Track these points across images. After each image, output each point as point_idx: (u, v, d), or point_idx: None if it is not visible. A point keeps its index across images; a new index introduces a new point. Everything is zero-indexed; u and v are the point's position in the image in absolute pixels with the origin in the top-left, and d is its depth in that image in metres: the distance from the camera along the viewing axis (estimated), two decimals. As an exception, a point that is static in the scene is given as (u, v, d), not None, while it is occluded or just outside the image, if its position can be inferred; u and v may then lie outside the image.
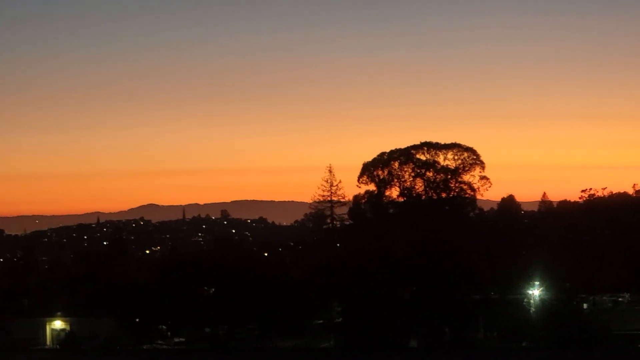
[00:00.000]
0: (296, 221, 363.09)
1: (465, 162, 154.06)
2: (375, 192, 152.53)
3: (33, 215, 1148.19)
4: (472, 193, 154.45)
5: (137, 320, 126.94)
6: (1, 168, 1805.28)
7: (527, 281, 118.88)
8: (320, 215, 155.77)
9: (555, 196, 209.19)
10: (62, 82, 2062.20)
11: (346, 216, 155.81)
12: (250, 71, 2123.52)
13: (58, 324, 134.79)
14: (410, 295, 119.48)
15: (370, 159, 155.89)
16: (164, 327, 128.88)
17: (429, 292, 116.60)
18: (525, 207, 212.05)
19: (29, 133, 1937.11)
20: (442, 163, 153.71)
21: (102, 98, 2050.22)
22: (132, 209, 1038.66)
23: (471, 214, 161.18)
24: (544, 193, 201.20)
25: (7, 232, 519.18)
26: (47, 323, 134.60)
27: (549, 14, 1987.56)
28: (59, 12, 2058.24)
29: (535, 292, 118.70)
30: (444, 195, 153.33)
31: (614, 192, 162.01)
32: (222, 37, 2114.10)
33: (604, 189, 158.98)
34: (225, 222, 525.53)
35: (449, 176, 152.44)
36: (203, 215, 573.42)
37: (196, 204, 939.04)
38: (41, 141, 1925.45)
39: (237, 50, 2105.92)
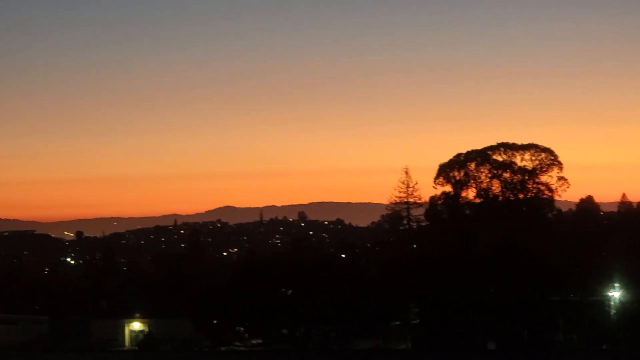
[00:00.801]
0: (373, 222, 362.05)
1: (543, 163, 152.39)
2: (452, 193, 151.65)
3: (111, 218, 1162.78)
4: (549, 194, 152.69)
5: (215, 322, 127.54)
6: (81, 171, 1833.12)
7: (607, 283, 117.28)
8: (396, 216, 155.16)
9: (635, 197, 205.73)
10: (143, 84, 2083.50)
11: (422, 217, 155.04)
12: (329, 74, 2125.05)
13: (137, 326, 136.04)
14: (488, 297, 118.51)
15: (446, 160, 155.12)
16: (242, 328, 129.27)
17: (507, 294, 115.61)
18: (604, 208, 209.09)
19: (109, 136, 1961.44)
20: (519, 164, 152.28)
21: (181, 101, 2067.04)
22: (209, 211, 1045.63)
23: (549, 215, 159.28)
24: (624, 194, 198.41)
25: (86, 234, 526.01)
26: (126, 324, 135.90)
27: (629, 12, 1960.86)
28: (156, 13, 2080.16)
29: (615, 294, 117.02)
30: (521, 196, 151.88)
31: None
32: (302, 39, 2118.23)
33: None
34: (302, 224, 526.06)
35: (526, 177, 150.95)
36: (280, 217, 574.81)
37: (273, 205, 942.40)
38: (120, 144, 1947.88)
39: (317, 53, 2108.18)
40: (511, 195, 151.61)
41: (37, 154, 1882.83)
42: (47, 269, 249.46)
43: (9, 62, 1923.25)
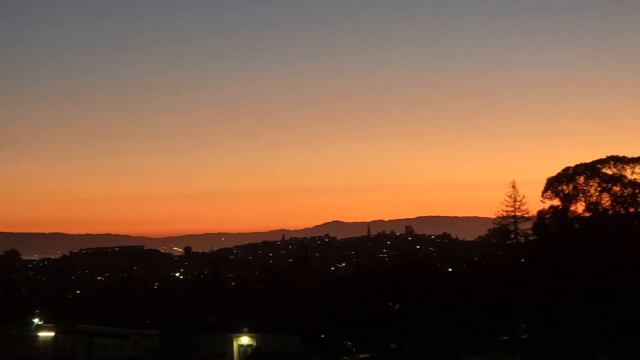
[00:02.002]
0: (480, 236, 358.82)
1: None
2: (560, 207, 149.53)
3: (219, 233, 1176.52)
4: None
5: (323, 336, 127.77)
6: (190, 187, 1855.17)
7: None
8: (503, 230, 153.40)
9: None
10: (252, 101, 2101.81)
11: (530, 231, 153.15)
12: (436, 90, 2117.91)
13: (245, 340, 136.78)
14: (598, 312, 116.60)
15: (554, 174, 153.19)
16: (349, 343, 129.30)
17: (618, 309, 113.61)
18: None
19: (217, 152, 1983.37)
20: (629, 177, 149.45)
21: (290, 118, 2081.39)
22: (317, 226, 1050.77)
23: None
24: None
25: (194, 249, 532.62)
26: (234, 339, 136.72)
27: None
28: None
29: None
30: (631, 210, 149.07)
31: None
32: (412, 57, 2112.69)
33: None
34: (409, 238, 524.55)
35: (637, 191, 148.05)
36: (387, 232, 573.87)
37: (381, 220, 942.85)
38: (228, 160, 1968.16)
39: (426, 70, 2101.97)
40: (621, 209, 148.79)
41: (146, 171, 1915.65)
42: (156, 284, 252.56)
43: (121, 79, 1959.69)
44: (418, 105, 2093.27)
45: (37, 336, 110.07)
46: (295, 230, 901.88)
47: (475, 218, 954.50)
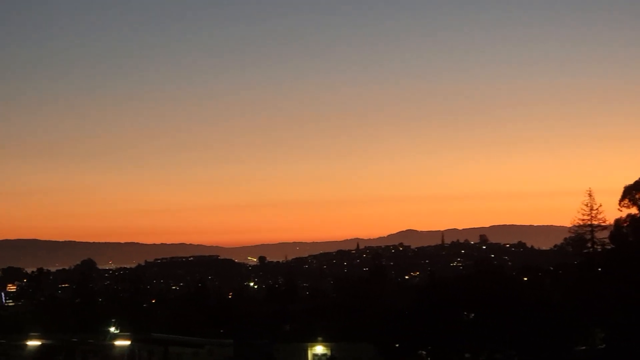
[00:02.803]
0: (555, 245, 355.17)
1: None
2: (638, 215, 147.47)
3: (294, 243, 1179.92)
4: None
5: (397, 345, 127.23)
6: (264, 197, 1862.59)
7: None
8: (580, 239, 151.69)
9: None
10: (324, 110, 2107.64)
11: (607, 240, 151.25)
12: (507, 96, 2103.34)
13: (319, 349, 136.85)
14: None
15: (631, 182, 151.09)
16: (424, 352, 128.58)
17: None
18: None
19: (290, 161, 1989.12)
20: None
21: (363, 126, 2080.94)
22: (391, 235, 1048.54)
23: None
24: None
25: (269, 258, 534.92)
26: (309, 348, 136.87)
27: None
28: (346, 38, 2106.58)
29: None
30: None
31: None
32: (471, 61, 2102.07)
33: None
34: (484, 247, 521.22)
35: None
36: (462, 240, 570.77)
37: (455, 229, 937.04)
38: (301, 169, 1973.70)
39: (489, 74, 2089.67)
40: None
41: (222, 181, 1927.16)
42: (231, 293, 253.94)
43: (196, 89, 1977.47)
44: (492, 113, 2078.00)
45: (114, 345, 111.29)
46: (369, 239, 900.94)
47: (551, 227, 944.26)
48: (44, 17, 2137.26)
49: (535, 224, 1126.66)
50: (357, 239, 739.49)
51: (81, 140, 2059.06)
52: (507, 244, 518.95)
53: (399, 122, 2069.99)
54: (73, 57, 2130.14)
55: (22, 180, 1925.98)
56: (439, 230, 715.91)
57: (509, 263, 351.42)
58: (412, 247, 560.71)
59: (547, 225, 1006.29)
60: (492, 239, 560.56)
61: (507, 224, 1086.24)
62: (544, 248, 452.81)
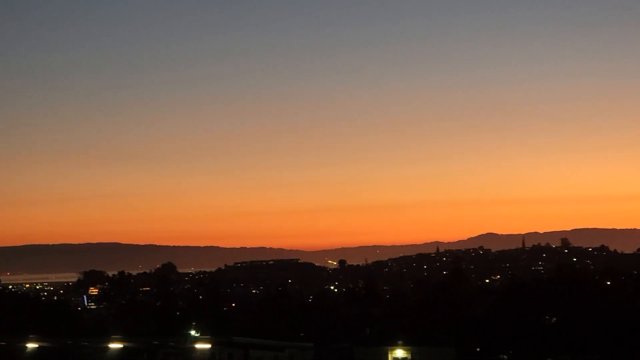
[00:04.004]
0: (639, 249, 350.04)
1: None
2: None
3: (374, 246, 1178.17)
4: None
5: (478, 349, 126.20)
6: (344, 200, 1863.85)
7: None
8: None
9: None
10: (394, 114, 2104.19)
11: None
12: (583, 99, 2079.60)
13: (400, 353, 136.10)
14: None
15: None
16: (505, 356, 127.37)
17: None
18: None
19: (370, 166, 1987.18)
20: None
21: (439, 130, 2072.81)
22: (471, 238, 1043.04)
23: None
24: None
25: (349, 262, 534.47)
26: (389, 351, 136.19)
27: None
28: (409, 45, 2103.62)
29: None
30: None
31: None
32: (542, 67, 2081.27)
33: None
34: (565, 251, 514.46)
35: None
36: (543, 244, 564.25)
37: (536, 232, 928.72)
38: (381, 173, 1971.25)
39: (565, 76, 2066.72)
40: None
41: (301, 185, 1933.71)
42: (311, 297, 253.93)
43: (273, 93, 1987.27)
44: (575, 116, 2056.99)
45: (194, 348, 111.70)
46: (449, 243, 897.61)
47: (634, 230, 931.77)
48: (133, 20, 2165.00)
49: (618, 228, 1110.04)
50: (437, 242, 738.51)
51: (162, 145, 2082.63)
52: (589, 248, 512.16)
53: (480, 126, 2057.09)
54: (160, 62, 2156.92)
55: (104, 185, 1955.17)
56: (520, 234, 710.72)
57: (591, 267, 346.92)
58: (493, 250, 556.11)
59: (630, 229, 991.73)
60: (574, 243, 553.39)
61: (590, 227, 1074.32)
62: (627, 252, 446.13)
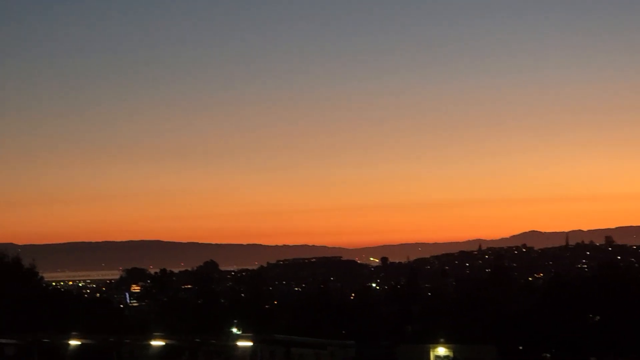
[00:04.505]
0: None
1: None
2: None
3: (416, 243, 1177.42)
4: None
5: (520, 347, 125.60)
6: (384, 198, 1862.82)
7: None
8: None
9: None
10: (442, 111, 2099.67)
11: None
12: (629, 93, 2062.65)
13: (441, 351, 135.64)
14: None
15: None
16: (548, 355, 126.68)
17: None
18: None
19: (412, 163, 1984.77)
20: None
21: (482, 127, 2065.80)
22: (513, 236, 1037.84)
23: None
24: None
25: (391, 259, 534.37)
26: (431, 349, 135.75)
27: None
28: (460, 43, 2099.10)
29: None
30: None
31: None
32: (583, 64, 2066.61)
33: None
34: (609, 249, 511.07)
35: None
36: (586, 242, 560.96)
37: (579, 230, 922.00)
38: (424, 171, 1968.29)
39: (611, 72, 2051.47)
40: None
41: (343, 182, 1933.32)
42: (353, 294, 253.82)
43: (314, 91, 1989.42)
44: (617, 114, 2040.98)
45: (236, 346, 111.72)
46: (491, 240, 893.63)
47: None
48: (186, 17, 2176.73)
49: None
50: (479, 239, 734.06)
51: (206, 143, 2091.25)
52: (634, 246, 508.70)
53: (523, 124, 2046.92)
54: (207, 60, 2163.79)
55: (147, 182, 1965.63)
56: (563, 232, 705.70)
57: (636, 265, 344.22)
58: (535, 248, 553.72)
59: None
60: (619, 240, 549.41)
61: (634, 225, 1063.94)
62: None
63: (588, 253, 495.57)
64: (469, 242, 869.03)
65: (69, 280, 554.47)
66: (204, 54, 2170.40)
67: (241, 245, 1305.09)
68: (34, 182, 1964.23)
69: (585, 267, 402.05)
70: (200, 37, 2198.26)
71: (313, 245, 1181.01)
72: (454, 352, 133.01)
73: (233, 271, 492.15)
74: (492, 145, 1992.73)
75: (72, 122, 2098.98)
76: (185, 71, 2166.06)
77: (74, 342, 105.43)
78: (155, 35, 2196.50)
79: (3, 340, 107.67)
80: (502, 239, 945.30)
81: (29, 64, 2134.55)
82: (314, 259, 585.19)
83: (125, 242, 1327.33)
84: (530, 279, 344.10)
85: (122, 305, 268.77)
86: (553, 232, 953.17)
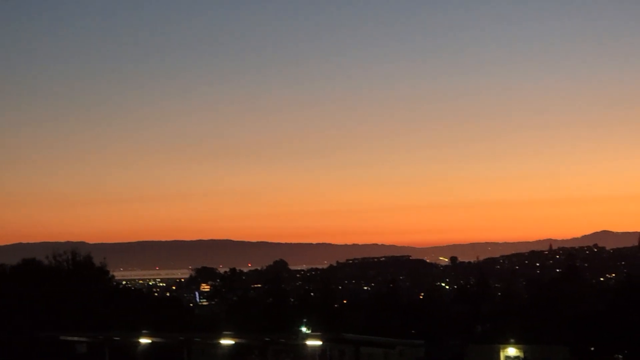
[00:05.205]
0: None
1: None
2: None
3: (485, 243, 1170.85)
4: None
5: (592, 348, 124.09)
6: (455, 197, 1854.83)
7: None
8: None
9: None
10: (520, 110, 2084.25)
11: None
12: None
13: (512, 351, 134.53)
14: None
15: None
16: (620, 356, 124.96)
17: None
18: None
19: (483, 162, 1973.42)
20: None
21: (555, 124, 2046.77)
22: (585, 236, 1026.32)
23: None
24: None
25: (460, 259, 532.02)
26: (501, 350, 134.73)
27: None
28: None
29: None
30: None
31: None
32: None
33: None
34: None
35: None
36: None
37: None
38: (493, 170, 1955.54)
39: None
40: None
41: (412, 181, 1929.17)
42: (422, 294, 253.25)
43: (381, 91, 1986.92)
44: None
45: (305, 345, 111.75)
46: (562, 240, 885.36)
47: None
48: (256, 19, 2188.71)
49: None
50: (550, 239, 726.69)
51: (275, 142, 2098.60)
52: None
53: (594, 122, 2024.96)
54: (284, 58, 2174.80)
55: (216, 181, 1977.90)
56: (636, 232, 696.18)
57: None
58: (607, 248, 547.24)
59: None
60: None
61: None
62: None
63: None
64: (539, 241, 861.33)
65: (139, 279, 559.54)
66: (283, 54, 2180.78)
67: (310, 244, 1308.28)
68: (105, 181, 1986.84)
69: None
70: (280, 37, 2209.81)
71: (382, 245, 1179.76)
72: (524, 353, 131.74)
73: (302, 270, 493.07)
74: (564, 145, 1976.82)
75: (145, 121, 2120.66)
76: (261, 71, 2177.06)
77: (144, 341, 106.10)
78: (236, 35, 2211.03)
79: (74, 338, 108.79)
80: (573, 239, 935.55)
81: (113, 64, 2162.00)
82: (383, 258, 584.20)
83: (195, 241, 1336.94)
84: (601, 279, 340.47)
85: (191, 304, 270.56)
86: (625, 232, 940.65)
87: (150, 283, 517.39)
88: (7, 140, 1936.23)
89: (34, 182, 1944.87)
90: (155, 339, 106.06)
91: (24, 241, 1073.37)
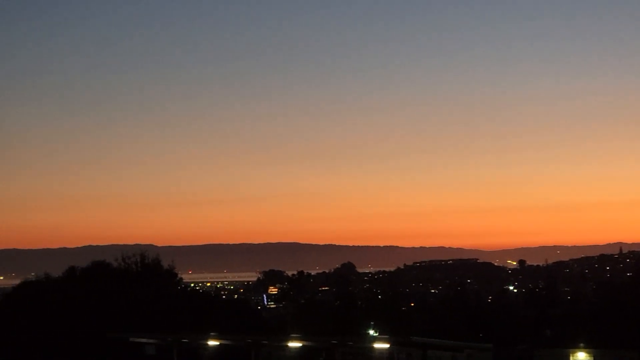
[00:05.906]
0: None
1: None
2: None
3: (554, 246, 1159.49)
4: None
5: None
6: (524, 199, 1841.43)
7: None
8: None
9: None
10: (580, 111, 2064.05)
11: None
12: None
13: (581, 356, 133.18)
14: None
15: None
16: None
17: None
18: None
19: (553, 164, 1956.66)
20: None
21: (611, 128, 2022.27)
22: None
23: None
24: None
25: (528, 262, 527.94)
26: (571, 354, 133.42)
27: None
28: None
29: None
30: None
31: None
32: None
33: None
34: None
35: None
36: None
37: None
38: (565, 172, 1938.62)
39: None
40: None
41: (481, 184, 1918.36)
42: (490, 297, 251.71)
43: (457, 95, 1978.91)
44: None
45: (373, 347, 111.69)
46: (633, 244, 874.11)
47: None
48: (325, 24, 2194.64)
49: None
50: (620, 242, 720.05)
51: (340, 145, 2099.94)
52: None
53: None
54: (344, 65, 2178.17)
55: (284, 184, 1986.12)
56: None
57: None
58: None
59: None
60: None
61: None
62: None
63: None
64: (609, 245, 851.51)
65: (206, 282, 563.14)
66: (355, 60, 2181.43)
67: (378, 247, 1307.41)
68: (174, 185, 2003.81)
69: None
70: (351, 43, 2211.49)
71: (449, 247, 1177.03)
72: (594, 357, 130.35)
73: (370, 273, 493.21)
74: (631, 147, 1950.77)
75: (209, 125, 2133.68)
76: (323, 76, 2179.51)
77: (212, 343, 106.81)
78: (319, 40, 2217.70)
79: (143, 340, 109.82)
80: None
81: (190, 68, 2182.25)
82: (450, 261, 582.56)
83: (263, 244, 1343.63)
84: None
85: (259, 307, 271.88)
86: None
87: (219, 286, 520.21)
88: (76, 144, 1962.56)
89: (104, 185, 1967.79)
90: (223, 341, 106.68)
91: (94, 244, 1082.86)
